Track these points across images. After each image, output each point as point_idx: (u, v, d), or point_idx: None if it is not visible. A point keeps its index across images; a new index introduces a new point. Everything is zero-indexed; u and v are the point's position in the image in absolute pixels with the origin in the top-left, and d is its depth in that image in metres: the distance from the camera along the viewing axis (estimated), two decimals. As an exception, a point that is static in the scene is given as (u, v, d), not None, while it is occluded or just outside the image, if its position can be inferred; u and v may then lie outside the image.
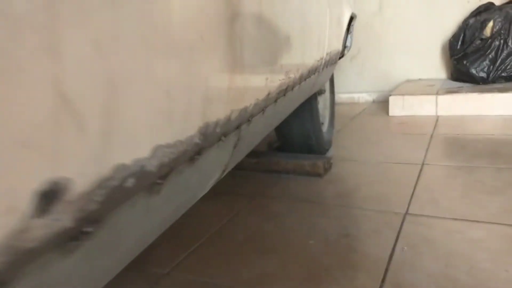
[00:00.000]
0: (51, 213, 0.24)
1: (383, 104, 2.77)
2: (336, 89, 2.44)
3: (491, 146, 1.69)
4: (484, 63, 2.42)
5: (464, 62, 2.49)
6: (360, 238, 1.06)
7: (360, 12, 2.65)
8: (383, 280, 0.86)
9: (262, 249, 1.04)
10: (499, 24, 2.38)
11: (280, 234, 1.11)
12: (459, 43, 2.57)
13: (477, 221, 1.07)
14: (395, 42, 2.95)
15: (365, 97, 3.08)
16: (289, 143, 1.73)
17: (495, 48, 2.39)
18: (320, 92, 1.78)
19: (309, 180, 1.51)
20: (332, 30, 1.26)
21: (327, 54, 1.21)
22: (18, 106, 0.21)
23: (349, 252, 0.99)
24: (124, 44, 0.27)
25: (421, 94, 2.38)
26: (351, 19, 1.88)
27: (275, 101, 0.71)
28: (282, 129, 1.70)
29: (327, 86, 1.89)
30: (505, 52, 2.37)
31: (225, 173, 0.61)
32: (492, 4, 2.58)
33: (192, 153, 0.40)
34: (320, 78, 1.24)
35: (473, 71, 2.45)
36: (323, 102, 1.86)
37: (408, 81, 2.89)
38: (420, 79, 2.89)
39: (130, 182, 0.30)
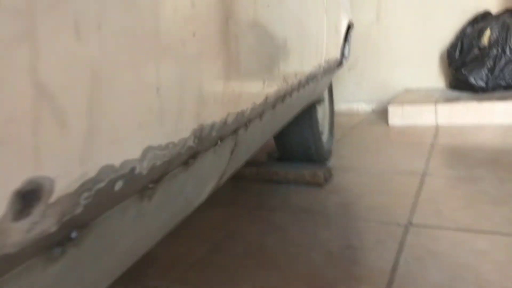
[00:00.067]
0: (32, 216, 0.22)
1: (382, 113, 2.77)
2: (335, 99, 2.43)
3: (493, 155, 1.67)
4: (483, 71, 2.42)
5: (463, 71, 2.49)
6: (363, 249, 1.03)
7: (358, 23, 2.66)
8: (387, 292, 0.83)
9: (263, 262, 1.01)
10: (496, 32, 2.39)
11: (281, 247, 1.08)
12: (457, 52, 2.57)
13: (482, 232, 1.05)
14: (393, 52, 2.95)
15: (364, 107, 3.08)
16: (289, 153, 1.71)
17: (493, 57, 2.39)
18: (319, 101, 1.77)
19: (309, 190, 1.49)
20: (329, 37, 1.25)
21: (325, 61, 1.20)
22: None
23: (352, 265, 0.96)
24: (109, 35, 0.26)
25: (420, 103, 2.37)
26: (349, 28, 1.88)
27: (273, 106, 0.70)
28: (281, 138, 1.68)
29: (326, 95, 1.88)
30: (503, 60, 2.37)
31: (222, 180, 0.59)
32: (488, 13, 2.59)
33: (187, 157, 0.39)
34: (319, 86, 1.23)
35: (472, 80, 2.44)
36: (322, 111, 1.84)
37: (407, 90, 2.88)
38: (418, 89, 2.88)
39: (119, 185, 0.29)
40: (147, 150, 0.31)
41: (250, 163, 1.69)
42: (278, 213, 1.31)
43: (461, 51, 2.56)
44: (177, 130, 0.35)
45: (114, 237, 0.31)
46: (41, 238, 0.23)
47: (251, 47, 0.54)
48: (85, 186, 0.25)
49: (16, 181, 0.21)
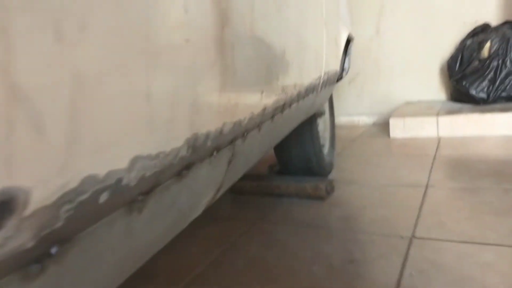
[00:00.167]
0: (4, 229, 0.20)
1: (383, 126, 2.75)
2: (335, 112, 2.43)
3: (496, 166, 1.65)
4: (484, 83, 2.41)
5: (464, 83, 2.49)
6: (366, 263, 1.01)
7: (358, 36, 2.66)
8: (391, 308, 0.80)
9: (264, 278, 0.99)
10: (496, 44, 2.39)
11: (282, 261, 1.06)
12: (457, 64, 2.57)
13: (487, 244, 1.02)
14: (393, 65, 2.95)
15: (364, 120, 3.07)
16: (290, 166, 1.69)
17: (494, 69, 2.39)
18: (320, 113, 1.76)
19: (311, 203, 1.46)
20: (329, 49, 1.25)
21: (325, 73, 1.20)
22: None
23: (355, 279, 0.94)
24: (93, 37, 0.24)
25: (422, 115, 2.36)
26: (349, 41, 1.88)
27: (272, 117, 0.68)
28: (282, 151, 1.67)
29: (326, 108, 1.87)
30: (504, 72, 2.36)
31: (220, 193, 0.57)
32: (488, 25, 2.60)
33: (180, 168, 0.37)
34: (319, 98, 1.22)
35: (473, 91, 2.43)
36: (323, 124, 1.83)
37: (408, 103, 2.87)
38: (419, 101, 2.88)
39: (104, 197, 0.27)
40: (135, 160, 0.29)
41: (250, 177, 1.68)
42: (279, 227, 1.29)
43: (461, 63, 2.56)
44: (168, 139, 0.34)
45: (100, 253, 0.29)
46: (16, 254, 0.21)
47: (248, 57, 0.53)
48: (65, 197, 0.24)
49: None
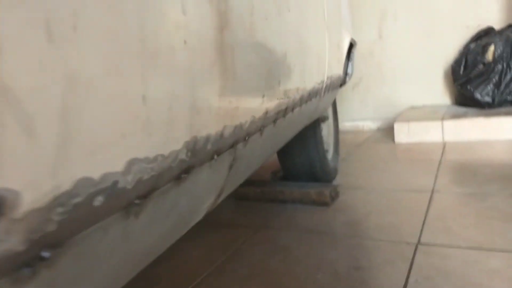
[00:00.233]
0: (-6, 233, 0.20)
1: (387, 131, 2.74)
2: (339, 117, 2.41)
3: (502, 171, 1.63)
4: (488, 87, 2.39)
5: (468, 87, 2.47)
6: (371, 270, 0.99)
7: (361, 41, 2.66)
8: (397, 315, 0.79)
9: (268, 284, 0.98)
10: (501, 48, 2.37)
11: (286, 268, 1.05)
12: (462, 68, 2.55)
13: (494, 250, 1.00)
14: (397, 70, 2.94)
15: (369, 125, 3.05)
16: (294, 172, 1.68)
17: (498, 72, 2.37)
18: (323, 118, 1.75)
19: (315, 209, 1.45)
20: (331, 54, 1.24)
21: (327, 78, 1.19)
22: None
23: (360, 286, 0.92)
24: (86, 37, 0.24)
25: (427, 120, 2.34)
26: (351, 46, 1.87)
27: (274, 121, 0.68)
28: (286, 157, 1.66)
29: (330, 113, 1.87)
30: (509, 75, 2.34)
31: (221, 198, 0.56)
32: (491, 28, 2.58)
33: (179, 171, 0.36)
34: (322, 102, 1.21)
35: (478, 95, 2.42)
36: (326, 129, 1.82)
37: (412, 107, 2.86)
38: (424, 105, 2.86)
39: (99, 201, 0.26)
40: (132, 163, 0.29)
41: (254, 183, 1.67)
42: (283, 233, 1.28)
43: (465, 67, 2.55)
44: (167, 142, 0.33)
45: (96, 257, 0.29)
46: (6, 257, 0.21)
47: (248, 60, 0.52)
48: (58, 200, 0.23)
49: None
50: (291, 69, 0.76)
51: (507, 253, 0.98)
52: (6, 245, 0.20)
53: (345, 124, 3.04)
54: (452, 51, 2.73)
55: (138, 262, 0.37)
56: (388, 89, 2.99)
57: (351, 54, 1.93)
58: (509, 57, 2.35)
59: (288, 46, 0.74)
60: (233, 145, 0.50)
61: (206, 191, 0.47)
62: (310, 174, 1.64)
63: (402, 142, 2.38)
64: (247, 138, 0.55)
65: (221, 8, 0.44)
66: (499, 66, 2.37)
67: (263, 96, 0.60)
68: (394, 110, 2.92)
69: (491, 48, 2.42)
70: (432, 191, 1.48)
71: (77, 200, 0.24)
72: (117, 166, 0.27)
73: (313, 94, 1.02)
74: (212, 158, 0.44)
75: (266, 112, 0.62)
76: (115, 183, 0.27)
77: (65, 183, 0.23)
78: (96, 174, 0.25)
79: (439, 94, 2.84)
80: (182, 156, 0.36)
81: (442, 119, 2.30)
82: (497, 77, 2.37)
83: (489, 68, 2.40)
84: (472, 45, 2.57)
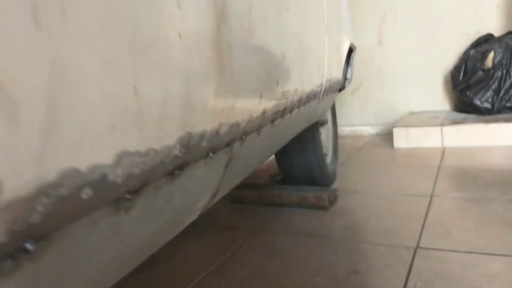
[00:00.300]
0: (-27, 223, 0.19)
1: (387, 136, 2.73)
2: (339, 122, 2.41)
3: (502, 176, 1.62)
4: (488, 93, 2.39)
5: (468, 93, 2.47)
6: (370, 274, 0.98)
7: (360, 46, 2.66)
8: (396, 320, 0.78)
9: (266, 287, 0.97)
10: (500, 54, 2.37)
11: (284, 271, 1.03)
12: (461, 74, 2.55)
13: (494, 254, 1.00)
14: (397, 75, 2.95)
15: (368, 130, 3.05)
16: (292, 175, 1.67)
17: (498, 79, 2.37)
18: (322, 122, 1.75)
19: (313, 213, 1.44)
20: (331, 57, 1.24)
21: (327, 81, 1.18)
22: None
23: (358, 289, 0.91)
24: (75, 24, 0.23)
25: (426, 125, 2.34)
26: (351, 50, 1.87)
27: (272, 122, 0.67)
28: (284, 161, 1.65)
29: (329, 117, 1.86)
30: (508, 82, 2.34)
31: (217, 198, 0.56)
32: (491, 35, 2.59)
33: (172, 167, 0.35)
34: (321, 105, 1.20)
35: (477, 102, 2.42)
36: (325, 133, 1.81)
37: (412, 113, 2.86)
38: (423, 111, 2.86)
39: (87, 193, 0.25)
40: (122, 156, 0.28)
41: (252, 186, 1.66)
42: (281, 237, 1.27)
43: (465, 74, 2.55)
44: (159, 136, 0.32)
45: (83, 253, 0.28)
46: (-14, 249, 0.20)
47: (246, 58, 0.52)
48: (42, 190, 0.22)
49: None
50: (290, 70, 0.75)
51: (506, 257, 0.97)
52: (-14, 235, 0.19)
53: (344, 129, 3.04)
54: (452, 58, 2.74)
55: (130, 260, 0.36)
56: (388, 95, 2.99)
57: (351, 59, 1.93)
58: (509, 63, 2.35)
59: (287, 47, 0.73)
60: (229, 144, 0.49)
61: (201, 189, 0.46)
62: (309, 178, 1.63)
63: (401, 147, 2.38)
64: (244, 137, 0.54)
65: (218, 4, 0.43)
66: (499, 73, 2.37)
67: (261, 95, 0.59)
68: (393, 116, 2.92)
69: (491, 54, 2.42)
70: (431, 196, 1.47)
71: (63, 191, 0.23)
72: (106, 158, 0.27)
73: (312, 96, 1.01)
74: (207, 155, 0.43)
75: (264, 112, 0.62)
76: (104, 176, 0.27)
77: (50, 173, 0.22)
78: (83, 165, 0.25)
79: (439, 100, 2.84)
80: (176, 151, 0.35)
81: (442, 124, 2.29)
82: (496, 84, 2.37)
83: (488, 74, 2.40)
84: (472, 52, 2.57)
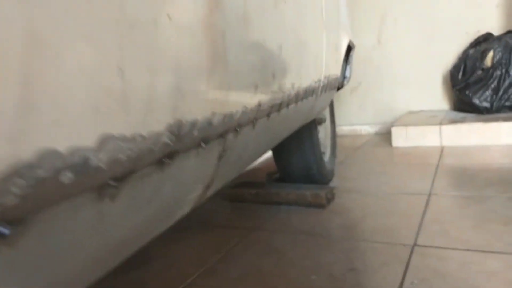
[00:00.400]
0: None
1: (385, 136, 2.72)
2: (337, 121, 2.40)
3: (500, 175, 1.61)
4: (487, 93, 2.38)
5: (467, 92, 2.46)
6: (367, 272, 0.97)
7: (360, 46, 2.65)
8: (392, 317, 0.77)
9: (260, 287, 0.95)
10: (499, 54, 2.37)
11: (280, 270, 1.02)
12: (460, 73, 2.55)
13: (492, 252, 0.99)
14: (396, 74, 2.94)
15: (367, 129, 3.04)
16: (290, 174, 1.66)
17: (497, 78, 2.36)
18: (321, 120, 1.73)
19: (311, 211, 1.43)
20: (329, 53, 1.23)
21: (325, 77, 1.17)
22: None
23: None
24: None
25: (425, 124, 2.33)
26: (350, 49, 1.86)
27: (268, 115, 0.66)
28: (282, 159, 1.64)
29: (327, 115, 1.85)
30: (507, 81, 2.34)
31: (210, 191, 0.54)
32: (490, 34, 2.58)
33: (161, 155, 0.34)
34: (319, 101, 1.19)
35: (476, 101, 2.41)
36: (323, 131, 1.80)
37: (410, 112, 2.85)
38: (422, 110, 2.85)
39: (68, 177, 0.24)
40: (106, 139, 0.27)
41: (249, 184, 1.65)
42: (278, 235, 1.26)
43: (464, 73, 2.54)
44: (146, 122, 0.31)
45: (64, 240, 0.27)
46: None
47: (240, 46, 0.51)
48: (17, 171, 0.21)
49: None
50: (287, 63, 0.74)
51: (504, 255, 0.96)
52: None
53: (343, 128, 3.03)
54: (451, 57, 2.73)
55: (116, 252, 0.35)
56: (387, 94, 2.98)
57: (350, 57, 1.92)
58: (508, 63, 2.34)
59: (284, 40, 0.72)
60: (223, 135, 0.48)
61: (192, 180, 0.45)
62: (307, 176, 1.62)
63: (399, 146, 2.37)
64: (238, 129, 0.53)
65: (211, -10, 0.42)
66: (498, 72, 2.36)
67: (256, 87, 0.58)
68: (392, 115, 2.91)
69: (490, 54, 2.41)
70: (429, 194, 1.46)
71: (41, 173, 0.22)
72: (88, 141, 0.26)
73: (309, 92, 1.00)
74: (199, 145, 0.42)
75: (259, 105, 0.60)
76: (86, 159, 0.25)
77: (26, 153, 0.21)
78: (63, 146, 0.24)
79: (438, 99, 2.83)
80: (165, 139, 0.34)
81: (440, 123, 2.28)
82: (495, 83, 2.37)
83: (487, 73, 2.39)
84: (471, 51, 2.56)
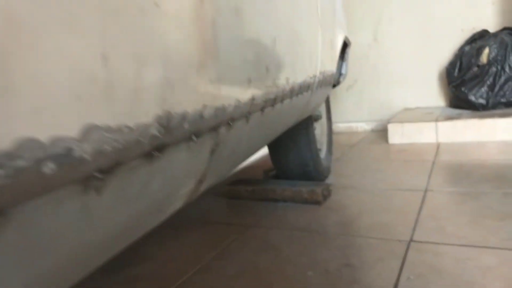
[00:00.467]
0: None
1: (381, 133, 2.72)
2: (334, 119, 2.39)
3: (496, 171, 1.61)
4: (483, 89, 2.39)
5: (462, 89, 2.46)
6: (363, 268, 0.97)
7: (356, 43, 2.65)
8: (388, 313, 0.76)
9: (256, 283, 0.95)
10: (495, 50, 2.37)
11: (276, 267, 1.02)
12: (456, 70, 2.55)
13: (488, 247, 0.98)
14: (392, 72, 2.94)
15: (363, 126, 3.04)
16: (286, 170, 1.65)
17: (493, 75, 2.36)
18: (316, 117, 1.73)
19: (307, 208, 1.43)
20: (324, 49, 1.22)
21: (320, 73, 1.17)
22: None
23: (351, 284, 0.90)
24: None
25: (421, 121, 2.33)
26: (346, 45, 1.85)
27: (262, 110, 0.65)
28: (278, 156, 1.63)
29: (323, 112, 1.84)
30: (503, 78, 2.34)
31: (203, 186, 0.54)
32: (486, 31, 2.58)
33: (150, 148, 0.33)
34: (314, 97, 1.18)
35: (472, 97, 2.41)
36: (320, 128, 1.80)
37: (406, 109, 2.85)
38: (418, 107, 2.85)
39: (50, 168, 0.23)
40: (89, 129, 0.26)
41: (245, 181, 1.64)
42: (274, 232, 1.25)
43: (460, 70, 2.54)
44: (132, 112, 0.30)
45: (47, 235, 0.26)
46: None
47: (231, 37, 0.50)
48: (-6, 160, 0.20)
49: None
50: (281, 57, 0.73)
51: (500, 250, 0.96)
52: None
53: (339, 125, 3.03)
54: (447, 54, 2.73)
55: (104, 248, 0.34)
56: (383, 91, 2.98)
57: (346, 54, 1.91)
58: (503, 59, 2.34)
59: (278, 33, 0.71)
60: (215, 129, 0.47)
61: (184, 174, 0.44)
62: (303, 173, 1.61)
63: (396, 143, 2.37)
64: (231, 123, 0.52)
65: (202, -20, 0.41)
66: (493, 69, 2.36)
67: (249, 81, 0.57)
68: (388, 112, 2.91)
69: (486, 50, 2.41)
70: (425, 190, 1.46)
71: (21, 163, 0.21)
72: (71, 130, 0.25)
73: (304, 87, 0.99)
74: (190, 139, 0.41)
75: (253, 99, 0.60)
76: (69, 150, 0.25)
77: (4, 142, 0.20)
78: (44, 136, 0.23)
79: (434, 96, 2.83)
80: (153, 131, 0.33)
81: (436, 120, 2.28)
82: (491, 80, 2.37)
83: (483, 70, 2.39)
84: (467, 48, 2.56)
